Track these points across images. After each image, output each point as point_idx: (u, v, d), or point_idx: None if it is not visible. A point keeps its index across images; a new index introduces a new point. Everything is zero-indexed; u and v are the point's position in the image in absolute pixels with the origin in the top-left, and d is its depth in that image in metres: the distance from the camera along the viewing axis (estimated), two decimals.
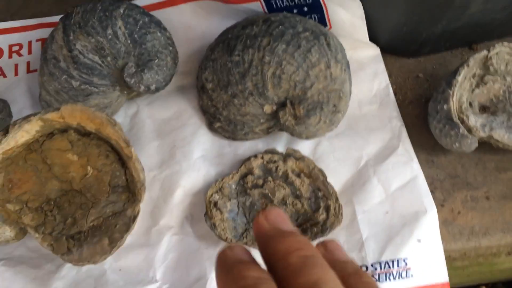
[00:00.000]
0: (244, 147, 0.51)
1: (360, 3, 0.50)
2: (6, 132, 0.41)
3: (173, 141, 0.50)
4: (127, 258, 0.45)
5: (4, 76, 0.54)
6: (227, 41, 0.49)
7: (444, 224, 0.48)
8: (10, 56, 0.55)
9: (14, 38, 0.56)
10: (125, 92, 0.50)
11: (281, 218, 0.26)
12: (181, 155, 0.50)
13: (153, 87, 0.49)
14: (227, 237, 0.44)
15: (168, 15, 0.55)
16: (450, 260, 0.48)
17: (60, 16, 0.56)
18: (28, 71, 0.54)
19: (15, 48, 0.56)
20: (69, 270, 0.44)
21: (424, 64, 0.58)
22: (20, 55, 0.55)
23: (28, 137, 0.42)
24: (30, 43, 0.56)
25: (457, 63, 0.57)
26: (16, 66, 0.55)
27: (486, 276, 0.61)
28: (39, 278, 0.44)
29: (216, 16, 0.57)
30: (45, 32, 0.56)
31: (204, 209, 0.48)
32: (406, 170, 0.49)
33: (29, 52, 0.55)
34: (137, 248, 0.46)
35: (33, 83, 0.54)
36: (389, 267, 0.45)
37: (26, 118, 0.40)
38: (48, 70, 0.48)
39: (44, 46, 0.51)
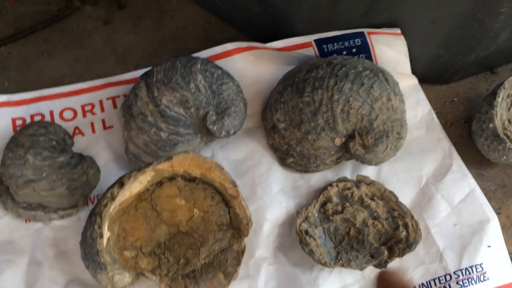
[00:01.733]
0: (316, 178, 0.56)
1: (405, 41, 0.57)
2: (121, 184, 0.44)
3: (252, 179, 0.55)
4: None
5: (83, 134, 0.58)
6: (295, 85, 0.54)
7: (504, 229, 0.54)
8: (84, 116, 0.59)
9: (85, 98, 0.60)
10: (204, 138, 0.54)
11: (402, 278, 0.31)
12: (261, 191, 0.54)
13: (232, 131, 0.53)
14: (325, 261, 0.48)
15: (223, 65, 0.60)
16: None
17: (124, 75, 0.62)
18: (105, 128, 0.58)
19: (87, 108, 0.59)
20: None
21: (456, 89, 0.64)
22: (93, 113, 0.59)
23: (140, 187, 0.46)
24: (101, 101, 0.60)
25: (483, 86, 0.65)
26: (92, 124, 0.58)
27: None
28: None
29: (267, 62, 0.62)
30: (113, 91, 0.60)
31: (291, 238, 0.52)
32: (464, 184, 0.55)
33: (102, 110, 0.59)
34: (238, 281, 0.49)
35: (112, 138, 0.57)
36: (469, 273, 0.50)
37: (140, 170, 0.44)
38: (136, 125, 0.52)
39: (125, 104, 0.55)
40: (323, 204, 0.53)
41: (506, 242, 0.53)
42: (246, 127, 0.59)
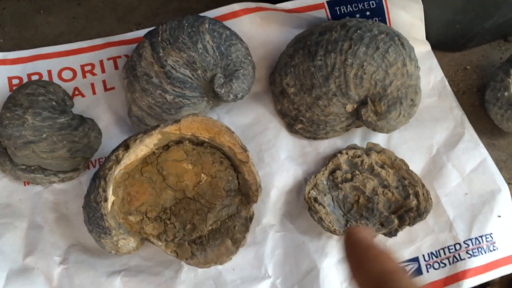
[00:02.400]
0: (324, 145, 0.54)
1: (421, 5, 0.55)
2: (126, 147, 0.42)
3: (259, 145, 0.53)
4: (238, 258, 0.47)
5: (83, 95, 0.55)
6: (307, 48, 0.52)
7: None
8: (84, 76, 0.56)
9: (84, 58, 0.57)
10: (210, 102, 0.52)
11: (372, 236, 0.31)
12: (269, 158, 0.53)
13: (240, 95, 0.51)
14: (335, 229, 0.47)
15: (230, 27, 0.58)
16: None
17: (125, 34, 0.59)
18: (106, 89, 0.56)
19: (87, 68, 0.57)
20: (187, 274, 0.47)
21: (469, 57, 0.63)
22: (94, 74, 0.56)
23: (146, 150, 0.44)
24: (101, 62, 0.57)
25: (496, 54, 0.63)
26: (92, 85, 0.56)
27: None
28: (162, 284, 0.46)
29: (275, 24, 0.60)
30: (114, 51, 0.58)
31: (299, 206, 0.51)
32: (475, 154, 0.54)
33: (103, 71, 0.57)
34: (245, 247, 0.48)
35: (113, 100, 0.55)
36: (479, 242, 0.49)
37: (147, 133, 0.42)
38: (140, 86, 0.50)
39: (128, 64, 0.52)
40: (332, 172, 0.52)
41: None
42: (252, 91, 0.56)
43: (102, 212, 0.41)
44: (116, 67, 0.57)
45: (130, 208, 0.45)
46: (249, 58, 0.53)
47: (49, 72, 0.56)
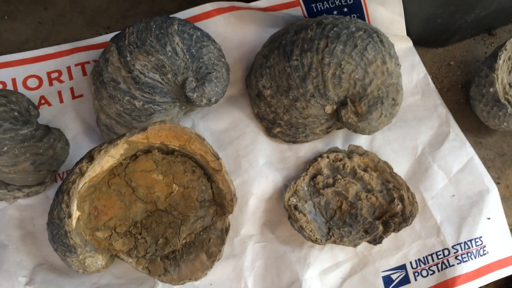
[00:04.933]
0: (305, 149, 0.52)
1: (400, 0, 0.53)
2: (91, 159, 0.40)
3: (236, 151, 0.51)
4: (215, 272, 0.45)
5: (49, 104, 0.53)
6: (282, 47, 0.50)
7: (503, 200, 0.51)
8: (50, 84, 0.54)
9: (51, 65, 0.54)
10: (183, 107, 0.50)
11: None
12: (247, 164, 0.50)
13: (213, 99, 0.49)
14: (316, 238, 0.44)
15: (203, 28, 0.55)
16: None
17: (94, 38, 0.56)
18: (74, 97, 0.53)
19: (54, 75, 0.54)
20: None
21: (453, 52, 0.60)
22: (61, 81, 0.54)
23: (112, 161, 0.41)
24: (69, 68, 0.54)
25: (481, 48, 0.61)
26: (60, 93, 0.53)
27: None
28: None
29: (251, 24, 0.57)
30: (82, 56, 0.55)
31: (279, 214, 0.48)
32: (462, 153, 0.52)
33: (70, 77, 0.54)
34: (223, 260, 0.45)
35: (81, 108, 0.53)
36: (469, 247, 0.47)
37: (112, 143, 0.40)
38: (108, 93, 0.47)
39: (95, 70, 0.50)
40: (313, 177, 0.49)
41: (505, 213, 0.50)
42: (229, 95, 0.54)
43: (66, 229, 0.39)
44: (84, 73, 0.54)
45: (97, 223, 0.42)
46: (223, 60, 0.51)
47: (14, 80, 0.53)
